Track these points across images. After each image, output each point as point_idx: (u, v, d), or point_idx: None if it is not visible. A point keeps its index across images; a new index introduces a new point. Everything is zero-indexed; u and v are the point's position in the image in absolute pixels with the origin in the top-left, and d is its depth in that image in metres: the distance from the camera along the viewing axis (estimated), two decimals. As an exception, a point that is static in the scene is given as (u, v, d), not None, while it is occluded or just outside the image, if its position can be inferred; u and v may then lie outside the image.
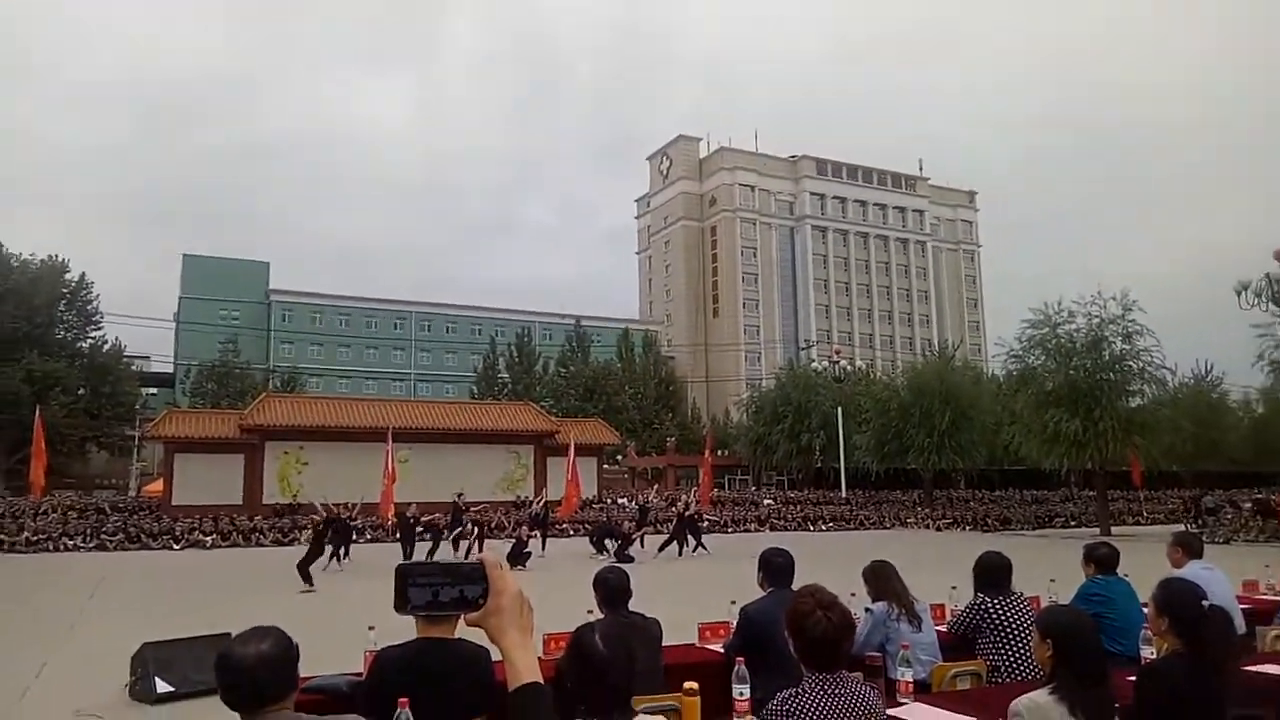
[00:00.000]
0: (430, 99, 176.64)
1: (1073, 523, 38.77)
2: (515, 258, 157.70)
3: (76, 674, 8.97)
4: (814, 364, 55.85)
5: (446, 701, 3.13)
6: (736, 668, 3.58)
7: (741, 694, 3.50)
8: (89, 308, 58.37)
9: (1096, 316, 31.46)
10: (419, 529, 22.93)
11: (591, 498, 38.00)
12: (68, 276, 57.46)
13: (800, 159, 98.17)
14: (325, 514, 19.43)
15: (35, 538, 27.81)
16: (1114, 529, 32.95)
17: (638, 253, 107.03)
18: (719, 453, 47.83)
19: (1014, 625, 4.74)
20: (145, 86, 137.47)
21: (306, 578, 16.36)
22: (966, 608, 5.03)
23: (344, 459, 34.25)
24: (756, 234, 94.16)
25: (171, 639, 8.10)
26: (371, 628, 4.64)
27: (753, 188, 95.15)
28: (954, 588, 6.12)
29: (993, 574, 4.98)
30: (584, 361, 69.02)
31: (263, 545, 28.73)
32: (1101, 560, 5.53)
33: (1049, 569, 7.85)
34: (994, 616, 4.79)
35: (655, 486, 44.47)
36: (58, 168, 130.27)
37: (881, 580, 4.94)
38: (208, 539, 28.85)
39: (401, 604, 1.17)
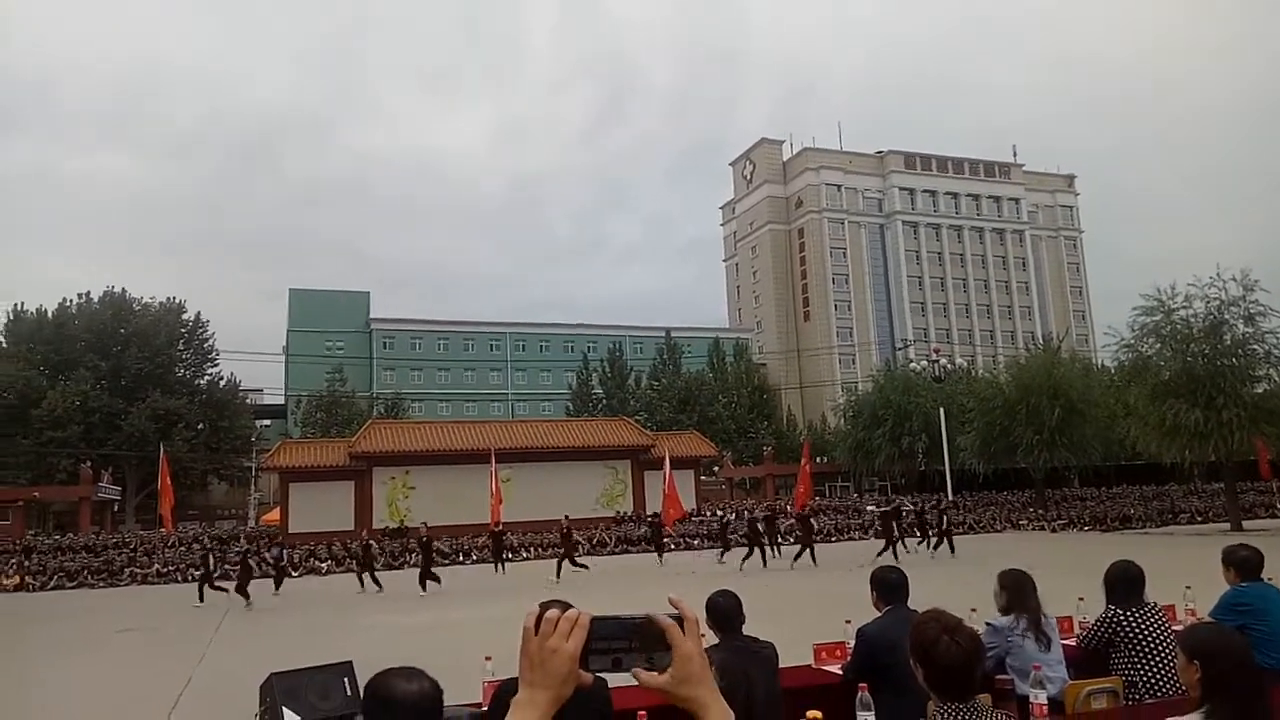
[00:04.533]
0: (512, 122, 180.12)
1: (1199, 518, 36.77)
2: (604, 273, 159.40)
3: (210, 705, 9.36)
4: (912, 364, 54.57)
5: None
6: (860, 694, 3.48)
7: (866, 722, 3.41)
8: (205, 346, 61.54)
9: (1215, 299, 29.82)
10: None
11: (691, 510, 37.91)
12: (185, 317, 60.73)
13: (887, 154, 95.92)
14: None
15: (165, 569, 29.32)
16: (1245, 524, 31.13)
17: (725, 260, 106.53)
18: (818, 460, 47.07)
19: (1150, 638, 4.51)
20: (236, 124, 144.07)
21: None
22: (1097, 621, 4.80)
23: (448, 482, 35.06)
24: (845, 233, 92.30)
25: (296, 669, 8.38)
26: (488, 658, 4.68)
27: (839, 186, 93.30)
28: (1081, 599, 5.87)
29: (1126, 585, 4.74)
30: (676, 373, 69.07)
31: (375, 569, 29.49)
32: (1243, 564, 5.20)
33: (1181, 573, 7.44)
34: (1128, 630, 4.56)
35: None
36: (165, 212, 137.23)
37: (1016, 593, 4.73)
38: (323, 565, 29.85)
39: (585, 666, 1.16)
